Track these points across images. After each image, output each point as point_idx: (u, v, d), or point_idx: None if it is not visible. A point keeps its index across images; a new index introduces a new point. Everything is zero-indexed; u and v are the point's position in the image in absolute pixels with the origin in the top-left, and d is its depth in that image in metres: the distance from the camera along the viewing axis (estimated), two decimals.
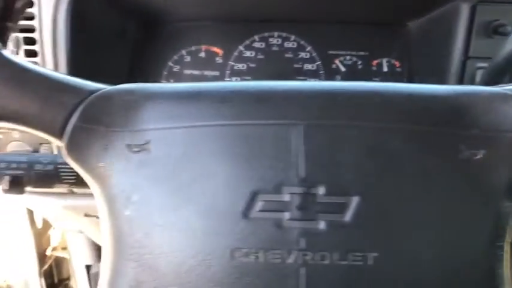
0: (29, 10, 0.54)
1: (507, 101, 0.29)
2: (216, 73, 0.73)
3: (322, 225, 0.28)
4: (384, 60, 0.72)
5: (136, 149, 0.30)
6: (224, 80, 0.72)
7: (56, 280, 1.25)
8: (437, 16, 0.65)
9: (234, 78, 0.72)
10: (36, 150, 0.60)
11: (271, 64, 0.73)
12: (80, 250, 1.00)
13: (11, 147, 0.60)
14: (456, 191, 0.28)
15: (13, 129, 0.30)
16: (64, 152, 0.30)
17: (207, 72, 0.74)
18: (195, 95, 0.31)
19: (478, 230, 0.28)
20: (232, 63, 0.73)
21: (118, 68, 0.69)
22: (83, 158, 0.30)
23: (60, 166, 0.40)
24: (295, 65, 0.73)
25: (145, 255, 0.29)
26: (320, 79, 0.72)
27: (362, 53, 0.73)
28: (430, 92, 0.30)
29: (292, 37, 0.73)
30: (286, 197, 0.28)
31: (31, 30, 0.55)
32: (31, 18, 0.56)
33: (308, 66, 0.73)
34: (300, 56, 0.73)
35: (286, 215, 0.28)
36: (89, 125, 0.30)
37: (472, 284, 0.28)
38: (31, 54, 0.56)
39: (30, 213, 1.09)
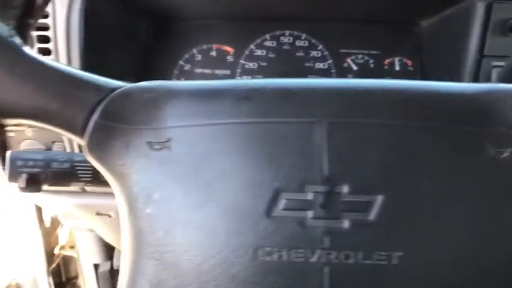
0: None
1: None
2: (227, 72, 0.73)
3: (346, 224, 0.27)
4: (396, 59, 0.72)
5: (157, 147, 0.29)
6: (235, 79, 0.72)
7: (63, 279, 1.26)
8: (451, 14, 0.64)
9: (244, 77, 0.72)
10: (48, 149, 0.60)
11: (283, 63, 0.73)
12: (89, 249, 1.01)
13: (24, 145, 0.60)
14: (482, 190, 0.27)
15: (32, 127, 0.30)
16: (85, 149, 0.30)
17: (218, 71, 0.73)
18: (216, 93, 0.30)
19: (505, 229, 0.27)
20: (243, 62, 0.73)
21: (129, 67, 0.69)
22: (104, 155, 0.30)
23: (76, 164, 0.40)
24: (307, 64, 0.72)
25: (167, 254, 0.29)
26: (331, 78, 0.71)
27: (374, 52, 0.72)
28: (454, 89, 0.30)
29: (304, 36, 0.73)
30: (310, 196, 0.28)
31: (45, 28, 0.55)
32: (45, 16, 0.56)
33: (319, 65, 0.72)
34: (311, 55, 0.73)
35: (310, 214, 0.28)
36: (111, 123, 0.29)
37: (498, 285, 0.27)
38: (44, 52, 0.56)
39: (39, 212, 1.10)
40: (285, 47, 0.73)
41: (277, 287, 0.28)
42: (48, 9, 0.55)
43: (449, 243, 0.27)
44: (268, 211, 0.28)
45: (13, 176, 0.39)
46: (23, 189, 0.39)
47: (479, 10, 0.57)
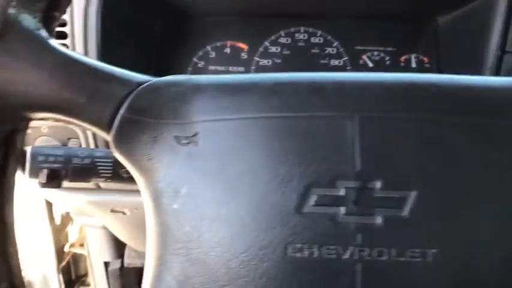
0: None
1: None
2: (241, 69, 0.73)
3: (379, 220, 0.27)
4: (412, 56, 0.71)
5: (184, 141, 0.29)
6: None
7: (73, 276, 1.26)
8: (470, 10, 0.63)
9: None
10: (64, 145, 0.60)
11: (297, 60, 0.72)
12: (99, 246, 1.01)
13: (39, 142, 0.60)
14: None
15: (56, 121, 0.30)
16: (111, 144, 0.30)
17: (232, 68, 0.73)
18: (244, 87, 0.30)
19: None
20: (258, 59, 0.73)
21: (144, 64, 0.69)
22: (130, 150, 0.29)
23: (97, 160, 0.40)
24: (322, 61, 0.72)
25: (194, 250, 0.28)
26: None
27: (390, 49, 0.71)
28: (487, 83, 0.29)
29: (319, 32, 0.72)
30: (342, 192, 0.27)
31: (62, 24, 0.55)
32: None
33: (335, 62, 0.72)
34: (326, 52, 0.72)
35: (342, 210, 0.27)
36: (138, 117, 0.29)
37: None
38: None
39: (49, 209, 1.10)
40: (300, 44, 0.72)
41: (308, 284, 0.27)
42: None
43: (485, 240, 0.27)
44: (299, 207, 0.27)
45: (34, 172, 0.39)
46: (44, 185, 0.39)
47: (502, 5, 0.56)
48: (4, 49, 0.27)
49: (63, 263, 1.19)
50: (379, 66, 0.71)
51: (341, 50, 0.72)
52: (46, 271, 1.17)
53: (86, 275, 1.28)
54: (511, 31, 0.56)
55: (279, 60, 0.72)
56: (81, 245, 1.19)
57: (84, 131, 0.58)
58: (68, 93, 0.28)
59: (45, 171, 0.38)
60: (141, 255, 1.01)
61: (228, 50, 0.73)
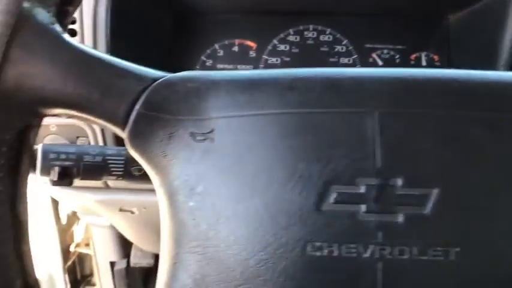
0: None
1: None
2: (250, 67, 0.72)
3: (400, 218, 0.26)
4: (423, 54, 0.71)
5: (200, 138, 0.28)
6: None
7: (78, 276, 1.26)
8: (483, 7, 0.63)
9: None
10: (72, 143, 0.59)
11: (306, 58, 0.72)
12: (105, 246, 1.00)
13: (47, 140, 0.59)
14: None
15: (70, 117, 0.29)
16: (126, 141, 0.29)
17: (240, 67, 0.73)
18: (261, 82, 0.29)
19: None
20: (266, 57, 0.72)
21: (152, 62, 0.68)
22: (145, 146, 0.29)
23: (108, 157, 0.39)
24: (331, 59, 0.71)
25: (210, 248, 0.28)
26: None
27: (400, 47, 0.71)
28: (509, 78, 0.28)
29: (328, 30, 0.72)
30: (362, 189, 0.27)
31: (72, 21, 0.55)
32: None
33: (344, 60, 0.71)
34: (336, 50, 0.71)
35: (362, 208, 0.26)
36: (153, 113, 0.28)
37: None
38: None
39: (55, 209, 1.10)
40: (309, 42, 0.72)
41: (328, 283, 0.27)
42: None
43: (509, 238, 0.26)
44: (318, 204, 0.27)
45: (45, 169, 0.38)
46: (55, 183, 0.38)
47: None
48: (19, 44, 0.26)
49: (69, 263, 1.18)
50: (388, 65, 0.70)
51: (350, 48, 0.71)
52: (52, 271, 1.17)
53: (91, 274, 1.28)
54: None
55: (287, 59, 0.72)
56: (87, 245, 1.19)
57: (93, 129, 0.58)
58: (83, 89, 0.28)
59: (56, 169, 0.38)
60: (148, 255, 1.00)
61: (236, 48, 0.72)
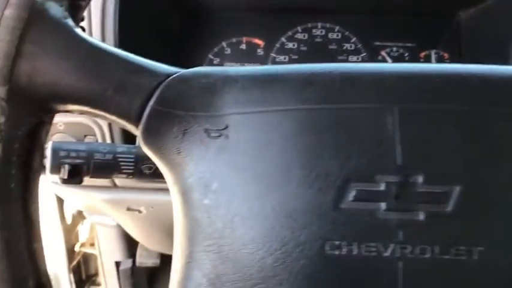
0: None
1: None
2: (257, 65, 0.72)
3: (421, 216, 0.26)
4: (432, 52, 0.70)
5: (215, 134, 0.28)
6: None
7: (83, 276, 1.25)
8: (494, 4, 0.62)
9: None
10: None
11: (315, 56, 0.71)
12: (110, 246, 1.00)
13: (55, 138, 0.59)
14: None
15: (82, 113, 0.29)
16: (140, 138, 0.29)
17: (247, 65, 0.72)
18: (277, 78, 0.29)
19: None
20: (274, 55, 0.71)
21: (159, 60, 0.68)
22: (159, 143, 0.28)
23: (119, 155, 0.39)
24: (340, 57, 0.71)
25: (226, 247, 0.27)
26: None
27: (409, 44, 0.70)
28: None
29: (336, 28, 0.71)
30: (382, 186, 0.26)
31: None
32: None
33: (353, 58, 0.70)
34: (344, 48, 0.71)
35: (382, 206, 0.26)
36: (167, 109, 0.28)
37: None
38: None
39: (61, 208, 1.09)
40: (317, 40, 0.71)
41: (347, 283, 0.26)
42: None
43: None
44: (337, 202, 0.26)
45: (55, 168, 0.38)
46: (65, 181, 0.38)
47: None
48: (32, 38, 0.26)
49: (74, 263, 1.18)
50: (398, 63, 0.69)
51: (359, 45, 0.70)
52: (57, 271, 1.16)
53: (96, 274, 1.27)
54: None
55: (295, 57, 0.71)
56: (92, 245, 1.19)
57: (100, 127, 0.57)
58: (96, 84, 0.27)
59: (66, 167, 0.37)
60: (153, 254, 1.00)
61: (243, 46, 0.72)
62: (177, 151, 0.28)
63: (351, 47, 0.70)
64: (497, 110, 0.27)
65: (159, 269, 1.06)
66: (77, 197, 0.70)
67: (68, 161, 0.37)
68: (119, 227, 0.84)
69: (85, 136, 0.58)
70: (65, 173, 0.37)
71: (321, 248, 0.26)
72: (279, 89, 0.28)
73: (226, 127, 0.28)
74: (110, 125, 0.58)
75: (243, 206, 0.27)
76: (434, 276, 0.25)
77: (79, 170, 0.38)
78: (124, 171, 0.39)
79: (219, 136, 0.28)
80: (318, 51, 0.71)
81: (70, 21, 0.28)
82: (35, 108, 0.27)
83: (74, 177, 0.38)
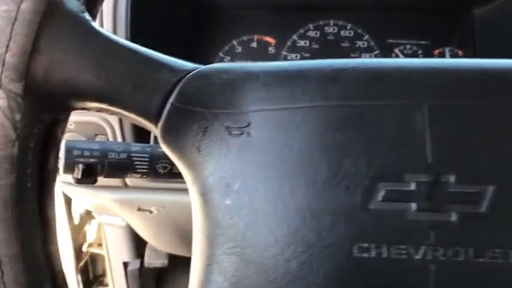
0: None
1: None
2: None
3: (454, 217, 0.25)
4: (447, 49, 0.69)
5: (236, 132, 0.27)
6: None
7: (91, 277, 1.25)
8: (509, 0, 0.61)
9: None
10: None
11: (327, 54, 0.70)
12: (118, 246, 0.99)
13: (66, 138, 0.58)
14: None
15: (99, 111, 0.28)
16: (159, 136, 0.28)
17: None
18: (299, 74, 0.28)
19: None
20: (285, 53, 0.71)
21: None
22: (179, 141, 0.27)
23: (133, 154, 0.38)
24: (352, 55, 0.70)
25: (248, 249, 0.26)
26: None
27: (423, 42, 0.69)
28: None
29: (349, 25, 0.70)
30: (412, 186, 0.25)
31: None
32: None
33: (366, 56, 0.69)
34: (357, 45, 0.70)
35: (413, 206, 0.25)
36: (188, 106, 0.27)
37: None
38: None
39: (68, 209, 1.09)
40: (329, 38, 0.70)
41: (376, 287, 0.25)
42: None
43: None
44: (365, 203, 0.25)
45: (69, 167, 0.37)
46: (78, 181, 0.37)
47: None
48: (48, 32, 0.25)
49: (82, 263, 1.18)
50: None
51: (372, 43, 0.69)
52: (65, 271, 1.16)
53: (103, 275, 1.27)
54: None
55: (307, 55, 0.70)
56: (99, 245, 1.18)
57: (112, 126, 0.57)
58: (115, 80, 0.26)
59: (80, 167, 0.36)
60: (162, 255, 0.99)
61: (254, 44, 0.71)
62: (197, 149, 0.27)
63: (363, 44, 0.69)
64: None
65: (167, 269, 1.05)
66: (86, 197, 0.69)
67: (82, 160, 0.37)
68: (128, 227, 0.83)
69: (96, 135, 0.58)
70: (78, 172, 0.37)
71: (349, 250, 0.25)
72: (301, 86, 0.27)
73: (248, 125, 0.27)
74: (121, 124, 0.57)
75: (267, 207, 0.26)
76: (468, 280, 0.24)
77: (93, 169, 0.37)
78: (138, 170, 0.38)
79: (241, 134, 0.27)
80: (330, 49, 0.70)
81: (87, 15, 0.27)
82: (51, 105, 0.27)
83: (88, 177, 0.37)
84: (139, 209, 0.64)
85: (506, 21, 0.63)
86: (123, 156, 0.38)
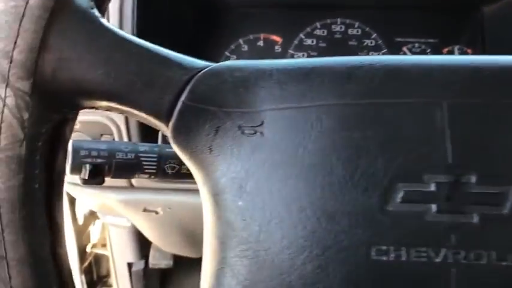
0: None
1: None
2: None
3: (475, 219, 0.24)
4: (456, 48, 0.68)
5: (249, 131, 0.26)
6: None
7: (95, 277, 1.24)
8: None
9: None
10: None
11: (334, 53, 0.69)
12: (123, 247, 0.99)
13: (71, 137, 0.57)
14: None
15: (108, 110, 0.27)
16: (170, 135, 0.27)
17: None
18: (313, 71, 0.27)
19: None
20: (292, 52, 0.70)
21: None
22: (190, 141, 0.27)
23: (141, 155, 0.37)
24: (360, 54, 0.69)
25: (262, 252, 0.25)
26: None
27: (431, 40, 0.68)
28: None
29: (356, 24, 0.69)
30: (432, 187, 0.24)
31: None
32: None
33: (374, 55, 0.68)
34: (365, 44, 0.69)
35: (433, 207, 0.24)
36: (199, 105, 0.26)
37: None
38: None
39: (72, 209, 1.08)
40: (337, 36, 0.69)
41: None
42: None
43: None
44: (383, 204, 0.24)
45: (76, 168, 0.36)
46: (86, 181, 0.36)
47: None
48: (57, 29, 0.24)
49: (85, 264, 1.17)
50: None
51: (380, 42, 0.68)
52: None
53: (107, 275, 1.26)
54: None
55: (314, 53, 0.69)
56: (103, 246, 1.18)
57: (117, 126, 0.56)
58: (125, 78, 0.26)
59: (87, 167, 0.36)
60: (166, 255, 0.99)
61: (261, 43, 0.70)
62: (208, 149, 0.26)
63: (371, 43, 0.69)
64: None
65: (171, 270, 1.05)
66: (91, 198, 0.69)
67: (89, 160, 0.36)
68: (132, 227, 0.83)
69: (101, 135, 0.57)
70: (86, 173, 0.36)
71: (367, 253, 0.24)
72: (316, 83, 0.26)
73: (262, 124, 0.26)
74: (127, 124, 0.56)
75: (281, 208, 0.25)
76: (490, 284, 0.24)
77: (100, 170, 0.36)
78: (146, 171, 0.38)
79: (254, 133, 0.26)
80: (337, 48, 0.69)
81: (96, 12, 0.26)
82: (60, 104, 0.26)
83: (95, 177, 0.36)
84: (145, 210, 0.63)
85: None
86: (130, 156, 0.37)
